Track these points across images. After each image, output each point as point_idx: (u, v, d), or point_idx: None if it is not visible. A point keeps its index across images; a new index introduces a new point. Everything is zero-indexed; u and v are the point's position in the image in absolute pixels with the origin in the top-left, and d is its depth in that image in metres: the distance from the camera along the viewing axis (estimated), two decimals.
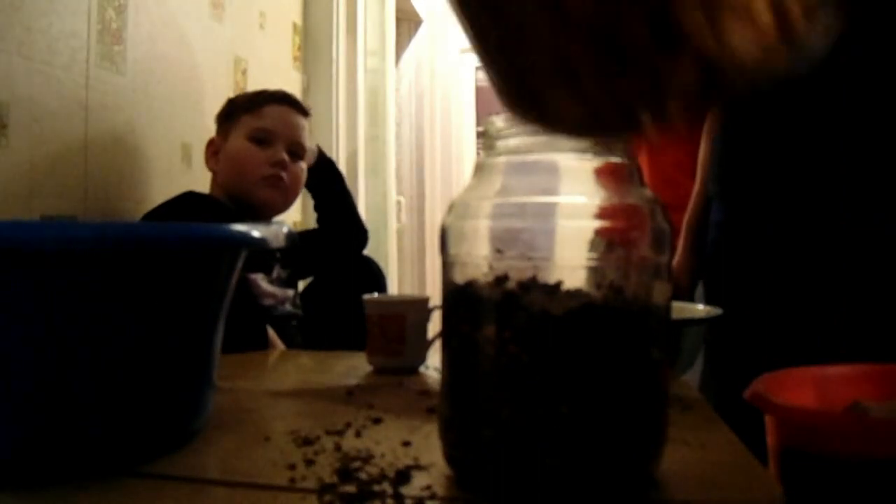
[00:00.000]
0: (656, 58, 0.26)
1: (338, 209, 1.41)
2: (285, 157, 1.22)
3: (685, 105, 0.27)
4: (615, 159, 0.44)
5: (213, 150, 1.25)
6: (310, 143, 1.32)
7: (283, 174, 1.22)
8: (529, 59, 0.29)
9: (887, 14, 0.80)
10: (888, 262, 0.81)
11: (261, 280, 1.24)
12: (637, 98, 0.27)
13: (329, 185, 1.40)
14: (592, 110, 0.28)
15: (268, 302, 1.23)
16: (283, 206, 1.27)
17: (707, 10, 0.25)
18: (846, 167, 0.82)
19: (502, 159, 0.46)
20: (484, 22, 0.31)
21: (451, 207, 0.47)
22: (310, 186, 1.37)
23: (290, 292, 1.31)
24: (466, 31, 0.33)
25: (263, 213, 1.24)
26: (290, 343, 1.19)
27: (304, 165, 1.28)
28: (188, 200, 1.16)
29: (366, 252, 1.46)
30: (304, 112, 1.30)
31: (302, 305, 1.33)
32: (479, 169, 0.47)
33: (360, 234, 1.43)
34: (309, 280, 1.46)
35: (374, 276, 1.38)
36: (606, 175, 0.44)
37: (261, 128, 1.22)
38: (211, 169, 1.26)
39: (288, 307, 1.28)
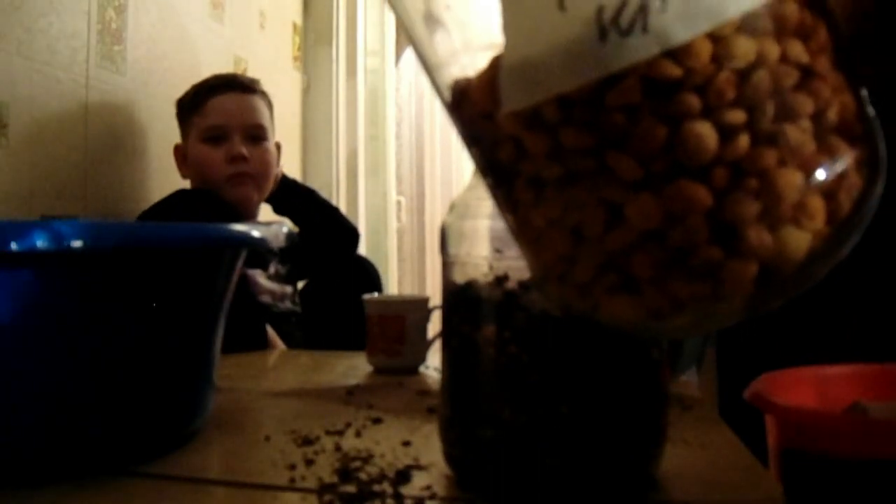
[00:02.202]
0: (714, 258, 0.25)
1: (319, 225, 1.36)
2: (242, 149, 1.17)
3: (742, 303, 0.26)
4: None
5: (182, 157, 1.22)
6: (269, 121, 1.25)
7: (246, 167, 1.17)
8: (579, 255, 0.28)
9: None
10: (889, 261, 0.81)
11: (259, 276, 1.23)
12: (693, 298, 0.26)
13: (301, 208, 1.35)
14: (645, 309, 0.27)
15: (266, 299, 1.23)
16: (259, 197, 1.23)
17: (764, 209, 0.25)
18: None
19: None
20: (531, 215, 0.30)
21: (451, 207, 0.47)
22: (282, 213, 1.34)
23: (289, 289, 1.30)
24: (509, 222, 0.32)
25: (242, 210, 1.20)
26: (290, 340, 1.19)
27: (269, 146, 1.22)
28: (181, 198, 1.16)
29: (366, 252, 1.45)
30: (252, 90, 1.23)
31: (300, 305, 1.33)
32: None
33: (349, 236, 1.41)
34: (306, 280, 1.46)
35: (369, 276, 1.38)
36: None
37: (209, 126, 1.17)
38: (184, 176, 1.23)
39: (287, 304, 1.28)
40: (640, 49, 0.24)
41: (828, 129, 0.27)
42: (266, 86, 1.32)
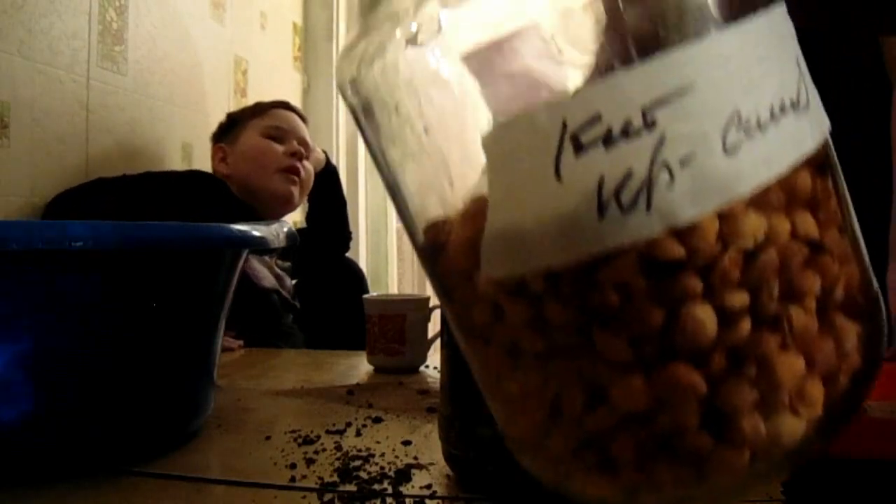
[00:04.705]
0: (704, 446, 0.23)
1: (330, 216, 1.44)
2: (301, 149, 1.27)
3: (732, 489, 0.24)
4: None
5: (221, 157, 1.26)
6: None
7: (300, 166, 1.26)
8: (555, 429, 0.26)
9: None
10: (884, 260, 0.81)
11: (258, 262, 1.25)
12: (675, 481, 0.24)
13: (328, 191, 1.42)
14: (621, 487, 0.25)
15: (268, 284, 1.24)
16: (298, 200, 1.30)
17: (762, 396, 0.23)
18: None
19: None
20: (505, 380, 0.28)
21: None
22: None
23: (289, 280, 1.32)
24: (478, 377, 0.29)
25: (277, 207, 1.26)
26: (291, 340, 1.20)
27: (309, 166, 1.32)
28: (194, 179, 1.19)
29: (366, 252, 1.47)
30: (304, 119, 1.36)
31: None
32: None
33: (344, 239, 1.48)
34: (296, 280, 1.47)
35: (355, 277, 1.42)
36: None
37: (274, 126, 1.26)
38: (221, 173, 1.26)
39: (286, 293, 1.29)
40: (641, 227, 0.22)
41: (833, 306, 0.25)
42: (266, 86, 1.33)
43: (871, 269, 0.28)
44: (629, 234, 0.22)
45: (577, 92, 0.23)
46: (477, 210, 0.25)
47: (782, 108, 0.24)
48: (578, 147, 0.22)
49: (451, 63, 0.26)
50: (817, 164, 0.25)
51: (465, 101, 0.27)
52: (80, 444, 0.46)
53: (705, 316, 0.22)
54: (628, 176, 0.22)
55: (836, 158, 0.27)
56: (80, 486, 0.44)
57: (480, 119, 0.26)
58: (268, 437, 0.54)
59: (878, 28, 0.80)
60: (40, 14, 1.02)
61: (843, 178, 0.27)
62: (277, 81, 1.80)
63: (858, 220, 0.28)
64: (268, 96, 1.41)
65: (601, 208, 0.22)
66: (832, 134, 0.27)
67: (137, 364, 0.48)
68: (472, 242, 0.25)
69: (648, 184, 0.22)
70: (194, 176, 1.19)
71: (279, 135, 1.26)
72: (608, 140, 0.22)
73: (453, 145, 0.28)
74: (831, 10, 0.84)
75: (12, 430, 0.44)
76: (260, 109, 1.30)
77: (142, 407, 0.49)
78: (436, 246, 0.28)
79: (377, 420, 0.60)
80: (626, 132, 0.22)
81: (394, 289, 2.29)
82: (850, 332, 0.25)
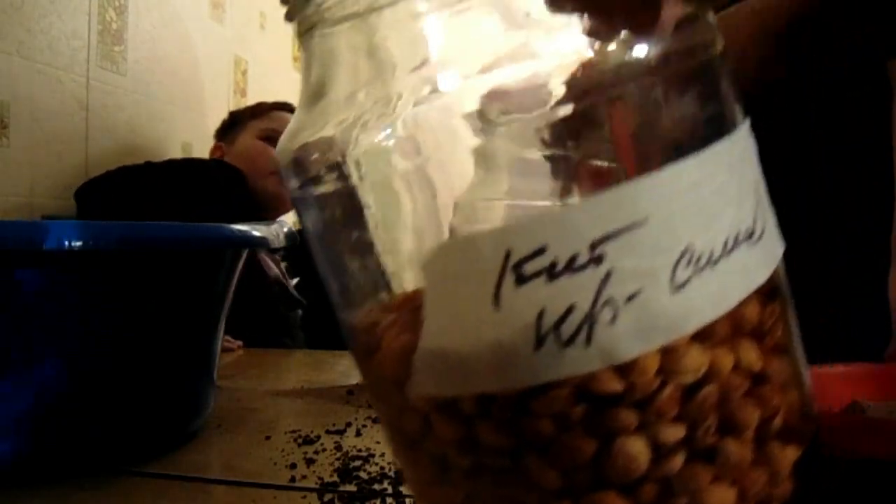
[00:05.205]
0: None
1: None
2: None
3: None
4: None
5: (219, 155, 1.27)
6: None
7: None
8: None
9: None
10: (881, 261, 0.81)
11: (268, 255, 1.26)
12: None
13: None
14: None
15: (272, 275, 1.24)
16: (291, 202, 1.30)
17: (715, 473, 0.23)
18: (829, 172, 0.82)
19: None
20: (430, 489, 0.27)
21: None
22: None
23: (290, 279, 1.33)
24: (406, 473, 0.29)
25: (272, 208, 1.26)
26: (293, 339, 1.20)
27: None
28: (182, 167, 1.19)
29: None
30: None
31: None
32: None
33: None
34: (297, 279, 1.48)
35: None
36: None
37: (271, 128, 1.27)
38: None
39: (293, 291, 1.30)
40: (580, 362, 0.22)
41: (771, 435, 0.24)
42: (266, 86, 1.33)
43: (811, 388, 0.27)
44: (566, 369, 0.22)
45: (525, 222, 0.22)
46: (411, 320, 0.24)
47: (736, 241, 0.23)
48: (520, 278, 0.22)
49: (408, 159, 0.25)
50: (766, 291, 0.24)
51: (423, 199, 0.27)
52: (80, 444, 0.46)
53: (637, 450, 0.22)
54: (570, 310, 0.21)
55: (785, 279, 0.26)
56: (81, 486, 0.44)
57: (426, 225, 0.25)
58: (268, 437, 0.54)
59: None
60: (40, 14, 1.02)
61: (790, 296, 0.26)
62: (277, 81, 1.80)
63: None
64: (268, 96, 1.41)
65: (539, 341, 0.22)
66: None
67: (137, 364, 0.48)
68: (405, 353, 0.24)
69: (590, 319, 0.21)
70: (214, 165, 1.20)
71: (276, 137, 1.26)
72: (552, 273, 0.22)
73: (398, 244, 0.28)
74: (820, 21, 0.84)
75: (12, 429, 0.44)
76: (260, 111, 1.30)
77: (142, 407, 0.49)
78: (369, 346, 0.27)
79: (377, 420, 0.60)
80: (572, 266, 0.21)
81: None
82: (786, 459, 0.25)
